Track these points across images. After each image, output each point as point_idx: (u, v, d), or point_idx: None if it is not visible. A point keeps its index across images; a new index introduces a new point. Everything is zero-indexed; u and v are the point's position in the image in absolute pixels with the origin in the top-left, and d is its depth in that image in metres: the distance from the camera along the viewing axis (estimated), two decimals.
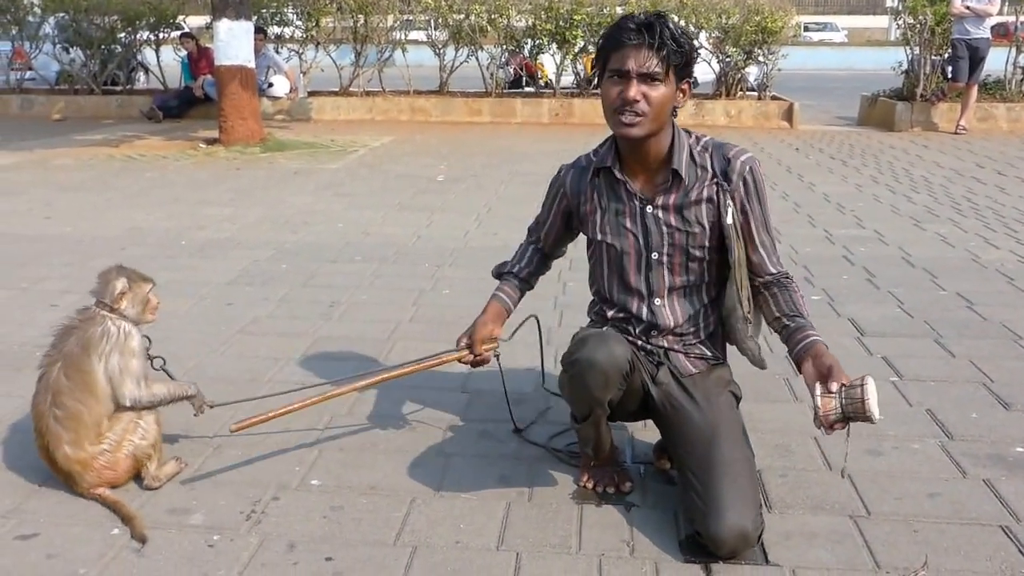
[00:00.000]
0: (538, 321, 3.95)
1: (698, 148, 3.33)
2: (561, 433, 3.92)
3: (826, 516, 3.31)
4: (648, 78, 3.13)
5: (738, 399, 3.47)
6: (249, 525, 3.24)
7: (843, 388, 2.91)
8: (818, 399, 2.92)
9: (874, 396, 2.85)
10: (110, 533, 3.18)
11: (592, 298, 3.66)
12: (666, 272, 3.37)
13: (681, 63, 3.14)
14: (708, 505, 3.02)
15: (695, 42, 3.17)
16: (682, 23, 15.67)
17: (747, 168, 3.29)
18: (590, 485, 3.49)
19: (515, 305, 3.74)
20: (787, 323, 3.27)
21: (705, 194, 3.28)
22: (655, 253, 3.35)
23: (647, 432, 3.93)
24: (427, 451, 3.81)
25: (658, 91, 3.13)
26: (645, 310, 3.41)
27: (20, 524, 3.24)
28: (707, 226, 3.30)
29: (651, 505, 3.40)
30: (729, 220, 3.25)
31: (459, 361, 3.56)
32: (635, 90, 3.14)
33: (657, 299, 3.40)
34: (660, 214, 3.31)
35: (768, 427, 3.96)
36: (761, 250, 3.34)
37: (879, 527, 3.24)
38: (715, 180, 3.28)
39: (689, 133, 3.36)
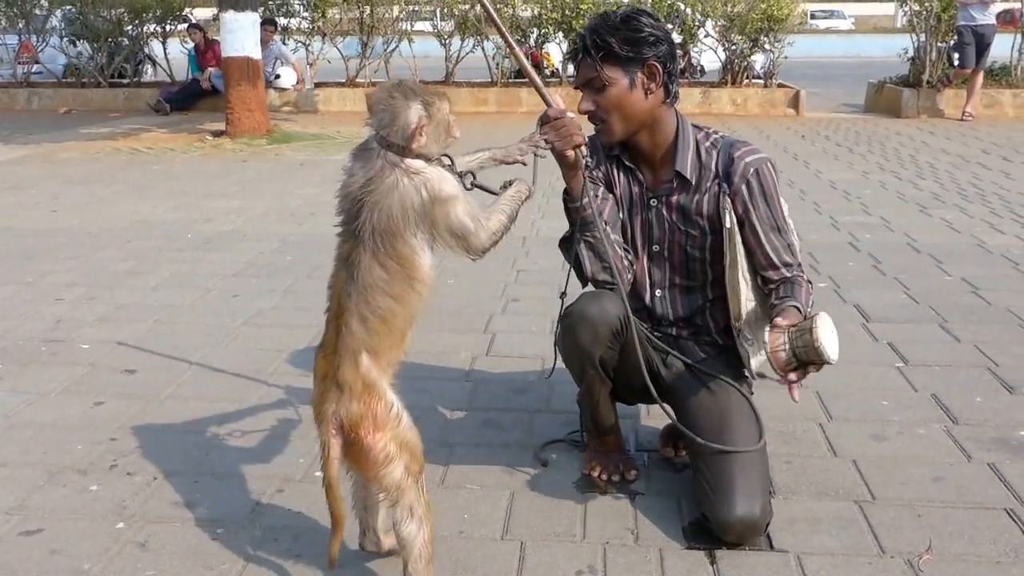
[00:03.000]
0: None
1: (706, 144, 3.27)
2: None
3: (831, 501, 3.31)
4: (589, 86, 3.18)
5: (750, 385, 3.46)
6: (253, 518, 3.24)
7: (792, 326, 2.85)
8: (766, 334, 2.86)
9: (826, 328, 2.77)
10: (115, 527, 3.18)
11: None
12: (667, 266, 3.37)
13: (621, 57, 3.11)
14: (717, 491, 3.02)
15: (638, 23, 3.05)
16: (688, 11, 15.71)
17: (751, 171, 3.20)
18: (595, 473, 3.48)
19: (594, 205, 3.15)
20: (774, 303, 3.19)
21: (707, 197, 3.24)
22: (656, 246, 3.35)
23: (652, 420, 3.94)
24: (431, 441, 3.78)
25: (605, 94, 3.15)
26: (648, 298, 3.41)
27: (25, 520, 3.24)
28: (707, 229, 3.27)
29: (656, 493, 3.40)
30: (727, 224, 3.18)
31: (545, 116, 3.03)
32: (583, 103, 3.21)
33: (659, 290, 3.40)
34: (664, 211, 3.30)
35: (773, 413, 3.94)
36: (770, 252, 3.22)
37: (884, 512, 3.23)
38: (717, 181, 3.23)
39: (699, 128, 3.32)
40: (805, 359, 2.81)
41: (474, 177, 2.86)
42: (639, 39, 3.11)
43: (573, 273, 3.30)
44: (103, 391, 4.32)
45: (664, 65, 3.16)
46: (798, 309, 3.07)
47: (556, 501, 3.34)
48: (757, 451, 3.12)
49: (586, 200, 3.11)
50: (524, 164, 3.01)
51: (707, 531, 3.05)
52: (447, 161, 2.75)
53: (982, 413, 4.02)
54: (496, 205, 2.83)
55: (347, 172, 2.72)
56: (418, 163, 2.62)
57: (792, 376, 2.85)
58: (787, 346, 2.82)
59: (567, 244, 3.29)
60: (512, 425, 3.96)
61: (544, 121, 3.03)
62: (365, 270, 2.58)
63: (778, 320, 2.91)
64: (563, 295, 3.34)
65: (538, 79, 3.09)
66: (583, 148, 3.04)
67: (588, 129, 3.14)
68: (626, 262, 3.31)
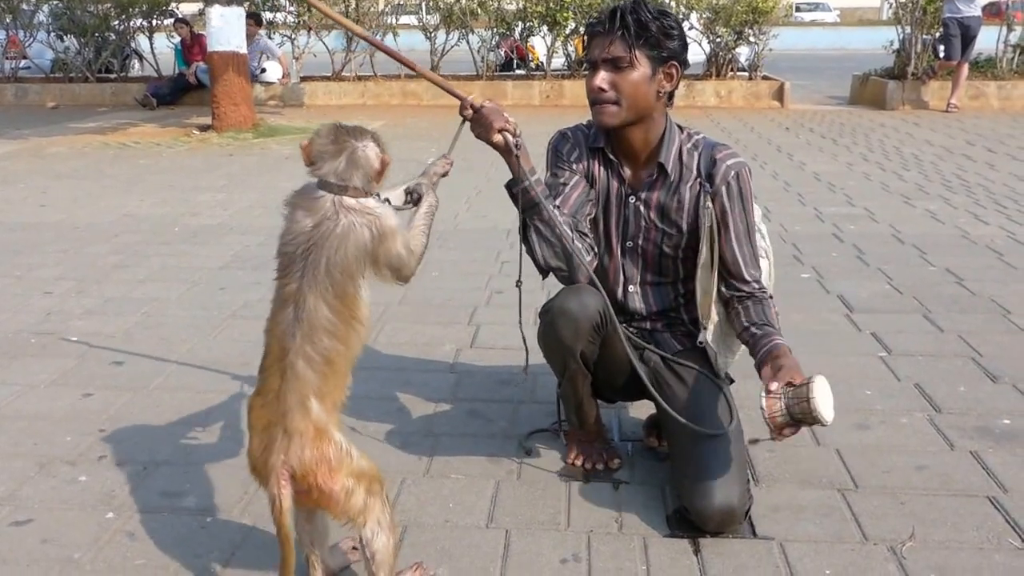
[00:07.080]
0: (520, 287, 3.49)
1: (688, 145, 3.29)
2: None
3: (814, 490, 3.34)
4: (612, 64, 3.12)
5: (728, 375, 3.49)
6: (242, 507, 3.26)
7: (789, 388, 2.83)
8: (763, 400, 2.84)
9: (823, 394, 2.76)
10: (104, 517, 3.20)
11: None
12: (640, 262, 3.39)
13: (654, 45, 3.10)
14: (695, 481, 3.04)
15: (673, 22, 3.09)
16: (671, 4, 15.66)
17: (732, 173, 3.23)
18: (579, 462, 3.50)
19: (536, 180, 3.18)
20: (754, 331, 3.20)
21: (688, 197, 3.26)
22: (630, 241, 3.37)
23: (635, 409, 3.96)
24: (416, 431, 3.84)
25: (626, 77, 3.11)
26: (620, 294, 3.43)
27: (15, 510, 3.25)
28: (685, 230, 3.28)
29: (639, 482, 3.42)
30: (707, 223, 3.21)
31: (460, 109, 3.12)
32: (599, 78, 3.14)
33: (631, 286, 3.42)
34: (641, 208, 3.31)
35: (756, 403, 3.95)
36: (739, 260, 3.26)
37: (867, 500, 3.27)
38: (698, 181, 3.25)
39: (682, 129, 3.33)
40: (800, 420, 2.80)
41: (390, 202, 2.82)
42: (674, 36, 3.13)
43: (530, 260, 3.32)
44: (92, 383, 4.33)
45: (680, 71, 3.20)
46: (787, 347, 3.09)
47: (541, 490, 3.37)
48: (733, 440, 3.14)
49: (526, 183, 3.13)
50: (446, 175, 3.16)
51: (690, 520, 3.07)
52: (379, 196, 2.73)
53: (965, 402, 4.05)
54: (414, 226, 2.81)
55: (289, 219, 2.65)
56: (371, 202, 2.61)
57: (787, 432, 2.85)
58: (784, 412, 2.80)
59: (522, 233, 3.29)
60: (497, 415, 3.99)
61: (463, 117, 3.10)
62: (311, 311, 2.53)
63: (772, 385, 2.87)
64: (519, 283, 3.39)
65: (438, 77, 3.15)
66: (509, 128, 3.06)
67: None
68: (580, 245, 3.25)
